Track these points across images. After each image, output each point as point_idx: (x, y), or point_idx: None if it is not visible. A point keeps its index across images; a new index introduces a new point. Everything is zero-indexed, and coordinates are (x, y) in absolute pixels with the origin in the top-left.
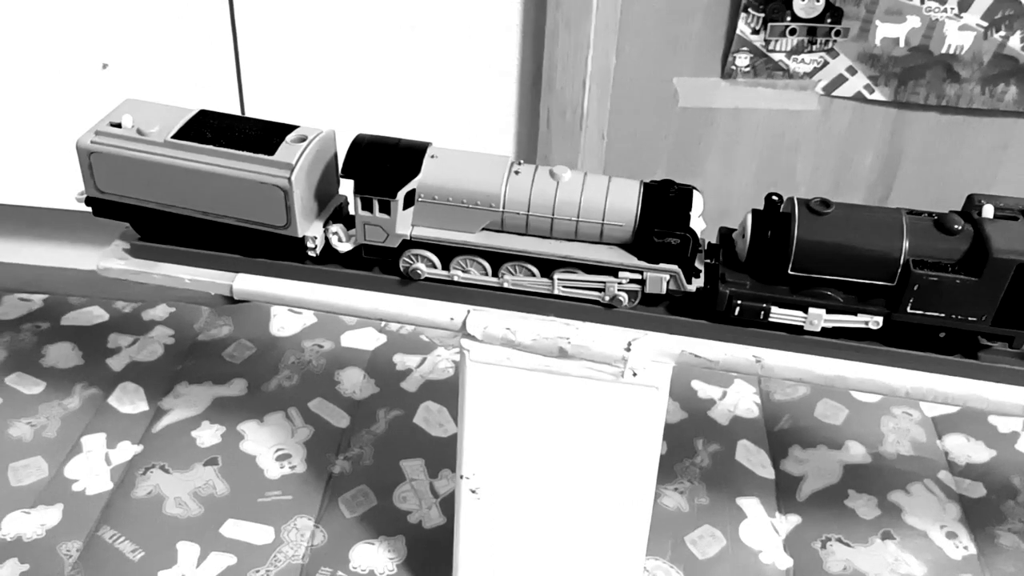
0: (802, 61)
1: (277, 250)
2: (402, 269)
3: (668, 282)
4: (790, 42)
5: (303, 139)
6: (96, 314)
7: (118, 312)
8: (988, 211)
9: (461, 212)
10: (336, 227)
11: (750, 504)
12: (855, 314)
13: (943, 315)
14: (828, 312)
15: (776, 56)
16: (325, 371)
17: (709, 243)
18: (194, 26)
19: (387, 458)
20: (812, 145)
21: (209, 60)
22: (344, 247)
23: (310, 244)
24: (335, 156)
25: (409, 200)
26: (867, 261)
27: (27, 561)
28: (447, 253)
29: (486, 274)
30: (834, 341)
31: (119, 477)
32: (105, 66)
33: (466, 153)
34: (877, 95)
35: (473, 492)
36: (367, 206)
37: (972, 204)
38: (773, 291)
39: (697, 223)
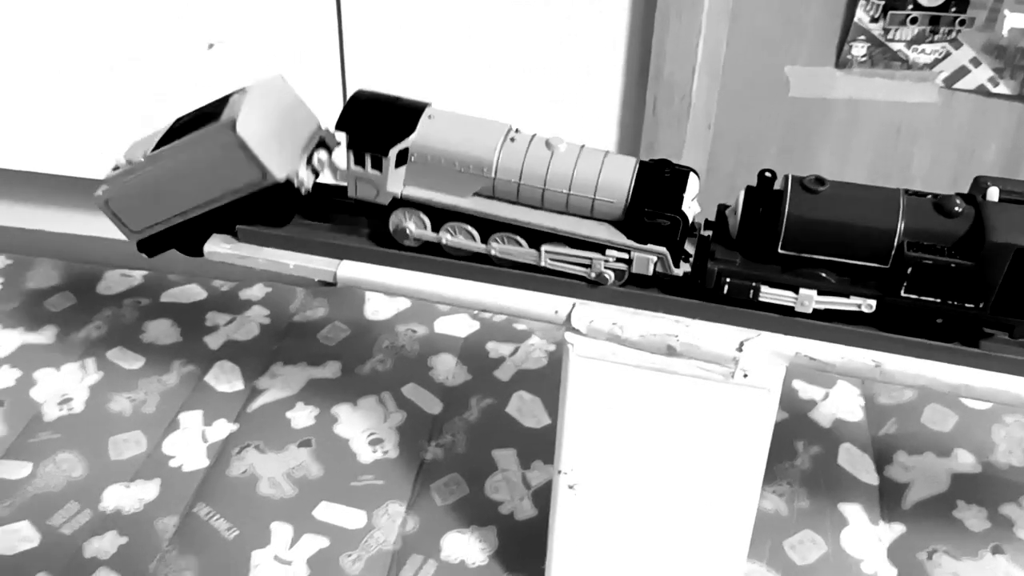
0: (922, 51)
1: (278, 210)
2: (391, 227)
3: (655, 264)
4: (911, 31)
5: (244, 92)
6: (195, 292)
7: (216, 291)
8: (993, 194)
9: (453, 175)
10: (320, 154)
11: (852, 510)
12: (847, 296)
13: (939, 300)
14: (820, 293)
15: (895, 46)
16: (418, 356)
17: (706, 220)
18: (299, 5)
19: (479, 447)
20: (930, 138)
21: (313, 40)
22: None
23: (296, 184)
24: (296, 97)
25: (402, 159)
26: (860, 241)
27: (126, 534)
28: (438, 216)
29: (474, 241)
30: (826, 324)
31: (215, 455)
32: (211, 46)
33: (464, 116)
34: (1002, 88)
35: (571, 487)
36: (359, 161)
37: (978, 186)
38: (763, 270)
39: (691, 206)
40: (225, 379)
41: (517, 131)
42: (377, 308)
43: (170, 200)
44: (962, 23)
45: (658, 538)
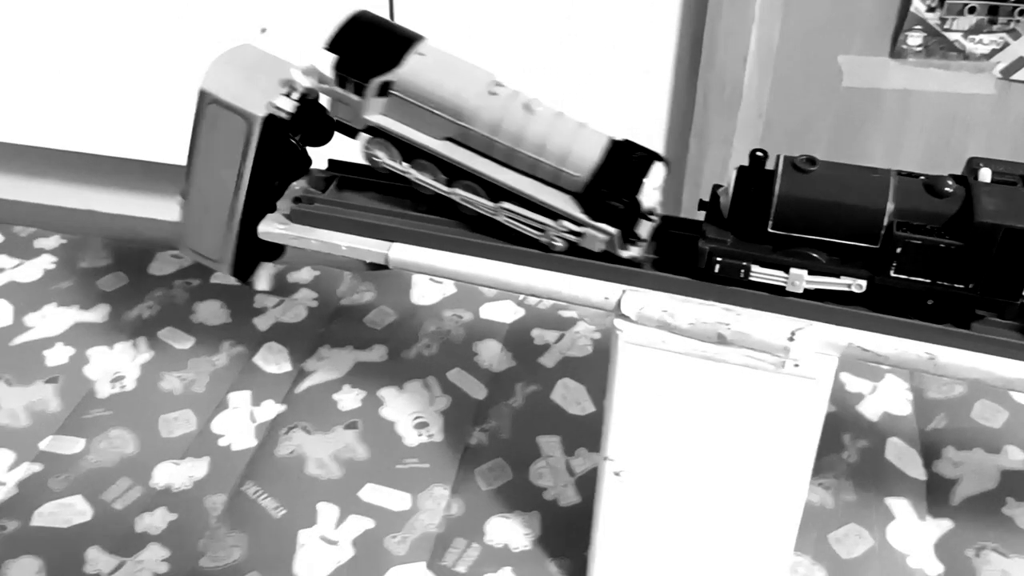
0: (980, 42)
1: (288, 158)
2: (363, 153)
3: (605, 242)
4: (968, 21)
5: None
6: None
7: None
8: (985, 175)
9: (429, 116)
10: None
11: (899, 505)
12: (838, 276)
13: (928, 281)
14: (810, 273)
15: (952, 36)
16: (464, 342)
17: (700, 200)
18: None
19: (524, 433)
20: (986, 130)
21: None
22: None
23: (277, 113)
24: (262, 53)
25: (384, 90)
26: (850, 221)
27: (176, 511)
28: (409, 151)
29: (440, 183)
30: (816, 304)
31: (263, 435)
32: (264, 31)
33: (453, 59)
34: None
35: (616, 475)
36: (342, 83)
37: (971, 167)
38: (754, 249)
39: (651, 194)
40: (273, 360)
41: (500, 85)
42: (423, 293)
43: (215, 207)
44: (1021, 13)
45: (704, 528)
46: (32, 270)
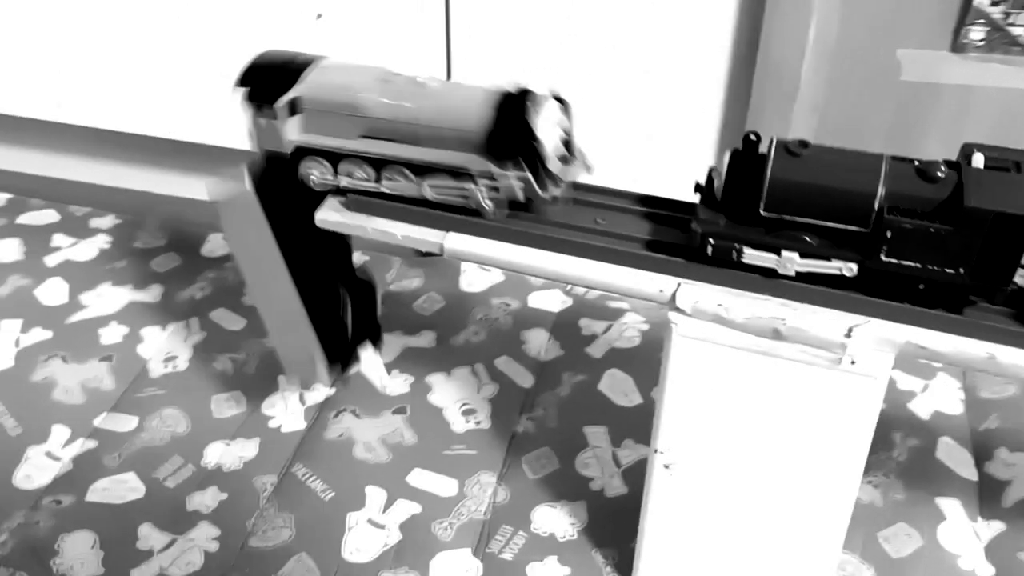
0: None
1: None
2: (300, 176)
3: (523, 188)
4: None
5: None
6: None
7: None
8: (978, 160)
9: (339, 119)
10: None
11: (950, 505)
12: (829, 259)
13: (919, 265)
14: (801, 256)
15: (1015, 31)
16: (511, 330)
17: (696, 183)
18: None
19: (570, 422)
20: None
21: (420, 13)
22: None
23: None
24: None
25: (295, 108)
26: (841, 204)
27: (226, 490)
28: (336, 159)
29: (369, 180)
30: (808, 286)
31: (312, 418)
32: (320, 16)
33: (350, 65)
34: None
35: (666, 467)
36: (259, 114)
37: (964, 153)
38: (746, 232)
39: (551, 131)
40: None
41: (396, 74)
42: (472, 281)
43: (277, 305)
44: None
45: (753, 523)
46: (88, 249)
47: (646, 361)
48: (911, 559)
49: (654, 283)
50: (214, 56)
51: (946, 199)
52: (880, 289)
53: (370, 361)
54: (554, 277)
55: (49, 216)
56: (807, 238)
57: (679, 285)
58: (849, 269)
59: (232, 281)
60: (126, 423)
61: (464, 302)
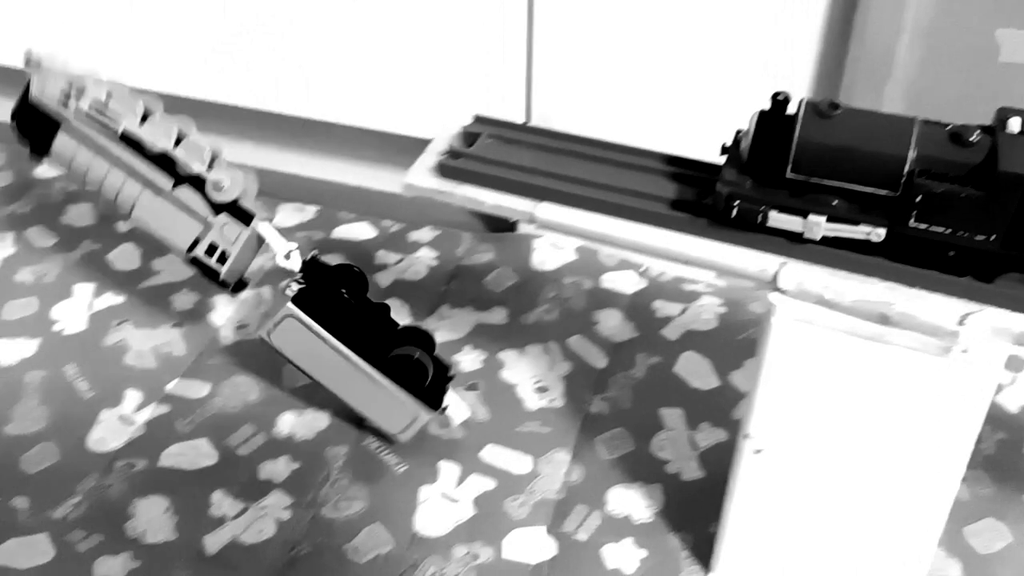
0: None
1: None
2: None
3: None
4: None
5: None
6: (365, 230)
7: (385, 231)
8: (1014, 124)
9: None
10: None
11: None
12: (856, 224)
13: (949, 231)
14: (828, 220)
15: None
16: (584, 310)
17: (723, 145)
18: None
19: (645, 404)
20: None
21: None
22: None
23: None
24: None
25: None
26: (870, 167)
27: (298, 460)
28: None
29: None
30: (835, 251)
31: None
32: None
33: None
34: None
35: (756, 453)
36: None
37: (1000, 117)
38: (772, 195)
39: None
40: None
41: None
42: (544, 259)
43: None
44: None
45: (843, 515)
46: None
47: (723, 344)
48: (1000, 555)
49: (756, 262)
50: (285, 19)
51: (979, 164)
52: (908, 255)
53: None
54: (653, 253)
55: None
56: (834, 202)
57: (782, 265)
58: (877, 234)
59: (304, 252)
60: (198, 389)
61: (536, 280)
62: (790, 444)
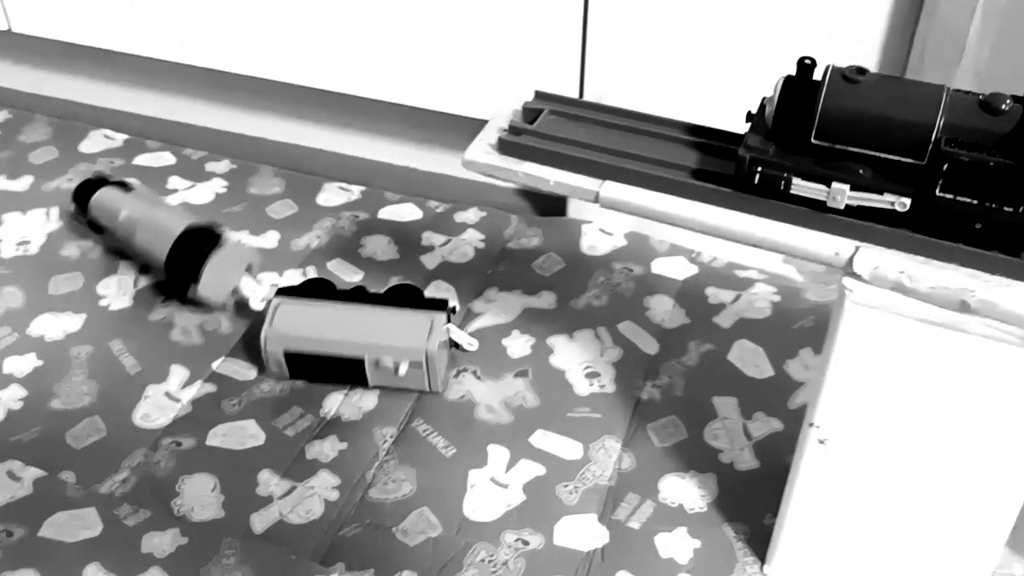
0: None
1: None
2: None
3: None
4: None
5: None
6: (410, 211)
7: (431, 211)
8: None
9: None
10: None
11: None
12: (881, 193)
13: (976, 202)
14: (852, 188)
15: None
16: (634, 295)
17: (748, 112)
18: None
19: (698, 392)
20: None
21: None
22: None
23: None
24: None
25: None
26: (896, 135)
27: (345, 439)
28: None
29: None
30: (857, 222)
31: None
32: None
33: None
34: None
35: (821, 442)
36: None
37: None
38: (796, 161)
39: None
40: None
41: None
42: (594, 243)
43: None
44: None
45: (909, 509)
46: (204, 192)
47: (778, 332)
48: None
49: (830, 245)
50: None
51: (1009, 133)
52: (933, 227)
53: (452, 330)
54: (720, 234)
55: (165, 158)
56: (859, 170)
57: (857, 249)
58: (902, 204)
59: (348, 232)
60: (245, 371)
61: (585, 265)
62: (857, 435)
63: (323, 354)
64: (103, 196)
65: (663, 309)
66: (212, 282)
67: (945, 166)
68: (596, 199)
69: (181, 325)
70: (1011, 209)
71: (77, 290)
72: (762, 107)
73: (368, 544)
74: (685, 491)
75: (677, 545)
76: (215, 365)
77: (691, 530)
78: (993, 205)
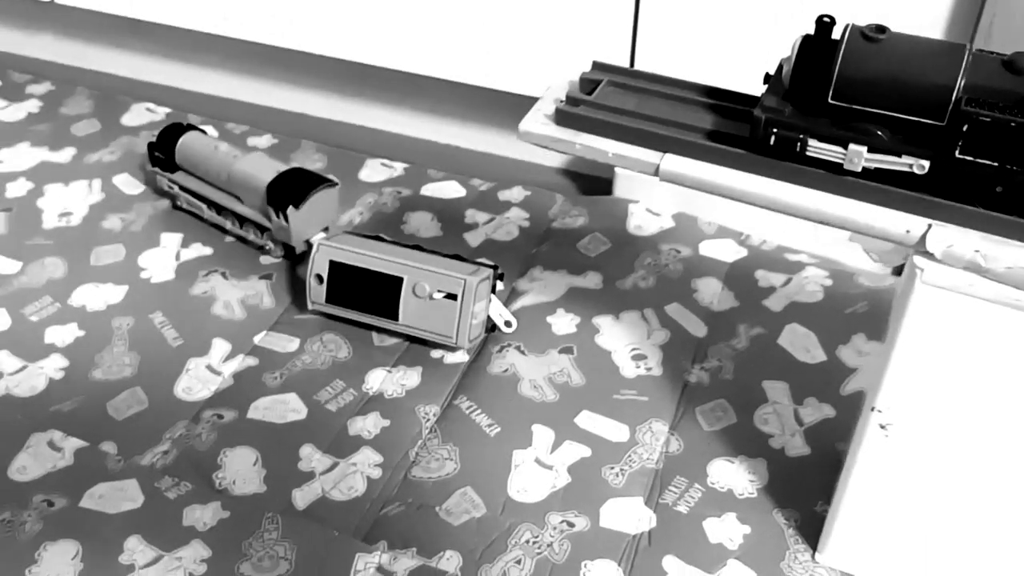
0: None
1: None
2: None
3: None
4: None
5: None
6: (454, 189)
7: (474, 189)
8: None
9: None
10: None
11: None
12: (899, 155)
13: (996, 164)
14: (870, 150)
15: None
16: (681, 277)
17: (766, 73)
18: None
19: (748, 376)
20: None
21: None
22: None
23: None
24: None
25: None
26: (916, 95)
27: (388, 416)
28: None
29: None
30: (875, 184)
31: (475, 351)
32: None
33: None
34: None
35: (882, 428)
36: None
37: None
38: (813, 123)
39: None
40: None
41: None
42: (640, 223)
43: None
44: None
45: (974, 500)
46: None
47: (830, 317)
48: None
49: (901, 222)
50: None
51: None
52: (953, 190)
53: (494, 303)
54: (786, 209)
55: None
56: (877, 131)
57: (930, 226)
58: (920, 166)
59: (391, 208)
60: (286, 344)
61: (631, 245)
62: (922, 421)
63: (365, 267)
64: (193, 136)
65: (711, 291)
66: (304, 216)
67: (965, 127)
68: (656, 172)
69: (223, 299)
70: None
71: (119, 262)
72: (780, 68)
73: (411, 523)
74: (734, 476)
75: (726, 531)
76: (257, 339)
77: (740, 516)
78: (1014, 167)
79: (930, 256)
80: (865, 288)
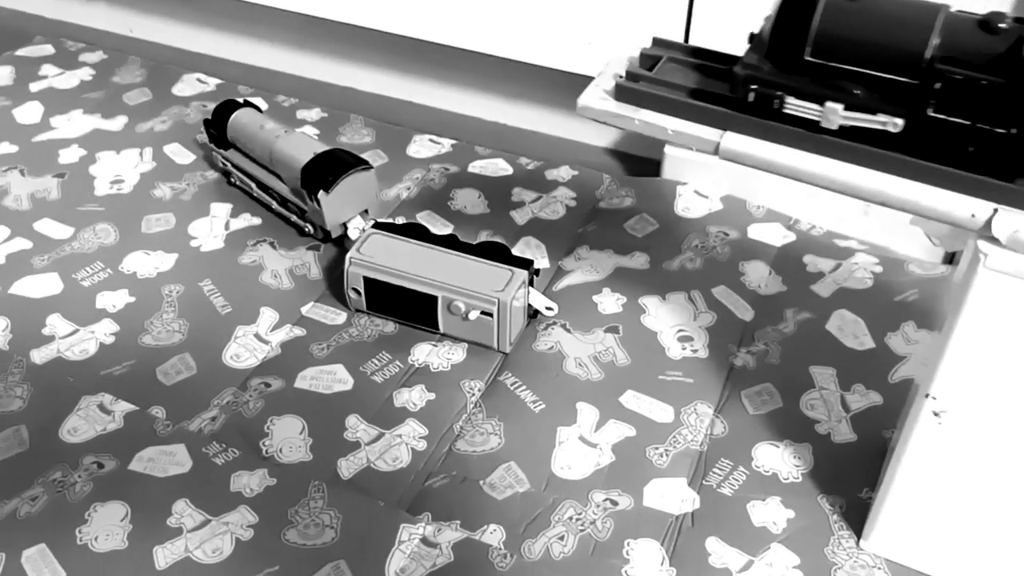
0: None
1: None
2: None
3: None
4: None
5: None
6: (501, 166)
7: (522, 168)
8: None
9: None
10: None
11: None
12: (874, 113)
13: (968, 122)
14: (846, 108)
15: None
16: (729, 260)
17: (750, 33)
18: None
19: (795, 361)
20: None
21: None
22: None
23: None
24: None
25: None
26: (891, 52)
27: (433, 390)
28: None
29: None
30: (850, 143)
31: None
32: (590, 43)
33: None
34: None
35: (936, 415)
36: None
37: None
38: (791, 79)
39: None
40: (531, 255)
41: (264, 124)
42: (688, 205)
43: None
44: None
45: None
46: None
47: (879, 304)
48: None
49: (966, 206)
50: None
51: (1004, 51)
52: (926, 150)
53: (531, 293)
54: (848, 191)
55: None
56: (854, 89)
57: (996, 211)
58: (894, 124)
59: (438, 184)
60: (333, 316)
61: (679, 227)
62: (978, 409)
63: (399, 286)
64: (243, 112)
65: (759, 275)
66: (336, 200)
67: (937, 85)
68: (716, 150)
69: (271, 268)
70: (1004, 131)
71: (169, 230)
72: (764, 27)
73: (455, 496)
74: (779, 460)
75: (771, 514)
76: (304, 309)
77: (785, 500)
78: (986, 126)
79: (995, 241)
80: (916, 276)
